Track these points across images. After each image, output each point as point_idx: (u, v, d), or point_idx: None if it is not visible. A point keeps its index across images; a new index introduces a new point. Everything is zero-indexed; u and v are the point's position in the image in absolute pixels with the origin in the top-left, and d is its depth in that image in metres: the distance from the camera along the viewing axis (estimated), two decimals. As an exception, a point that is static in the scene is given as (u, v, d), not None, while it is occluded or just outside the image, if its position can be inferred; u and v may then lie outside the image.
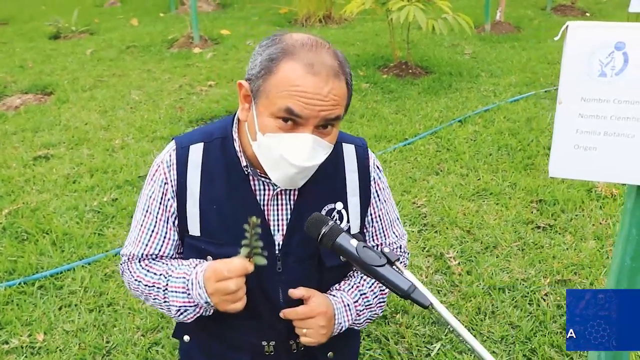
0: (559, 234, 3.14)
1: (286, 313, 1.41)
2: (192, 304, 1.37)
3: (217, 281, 1.27)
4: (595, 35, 0.99)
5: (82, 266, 2.95)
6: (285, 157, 1.23)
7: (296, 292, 1.41)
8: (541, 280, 2.75)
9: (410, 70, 6.13)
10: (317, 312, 1.39)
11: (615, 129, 1.03)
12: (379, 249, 1.23)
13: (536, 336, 2.40)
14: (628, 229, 1.14)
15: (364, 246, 1.20)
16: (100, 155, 4.25)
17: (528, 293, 2.66)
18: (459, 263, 2.90)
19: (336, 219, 1.45)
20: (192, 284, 1.34)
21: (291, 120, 1.22)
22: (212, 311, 1.41)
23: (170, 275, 1.39)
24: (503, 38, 7.58)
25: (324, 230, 1.24)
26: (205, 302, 1.33)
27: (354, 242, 1.20)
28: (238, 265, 1.24)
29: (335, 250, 1.22)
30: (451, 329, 1.08)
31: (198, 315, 1.41)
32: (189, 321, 1.43)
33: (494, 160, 4.04)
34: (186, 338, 1.61)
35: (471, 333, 2.43)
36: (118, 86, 5.90)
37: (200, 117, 4.99)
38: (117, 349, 2.43)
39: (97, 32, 8.54)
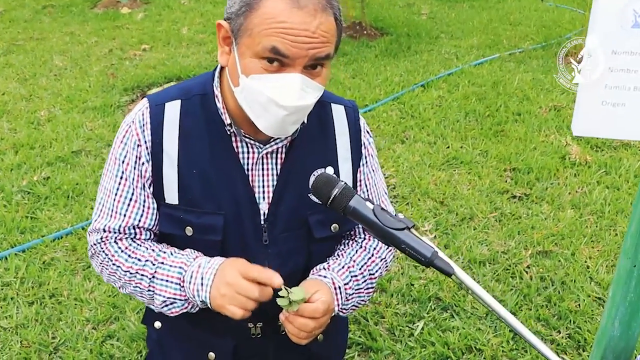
0: (536, 203, 3.24)
1: (307, 312, 1.28)
2: (182, 297, 1.32)
3: (243, 277, 1.22)
4: (630, -18, 1.01)
5: (16, 254, 2.82)
6: (273, 98, 1.20)
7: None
8: (522, 252, 2.83)
9: (365, 32, 6.12)
10: (330, 310, 1.34)
11: (646, 83, 1.06)
12: (395, 213, 1.20)
13: (522, 310, 2.48)
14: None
15: (381, 208, 1.16)
16: (24, 128, 4.05)
17: (510, 266, 2.74)
18: (435, 236, 2.95)
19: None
20: (191, 276, 1.29)
21: (277, 60, 1.18)
22: (197, 309, 1.36)
23: (162, 263, 1.33)
24: (461, -3, 7.68)
25: (335, 192, 1.18)
26: (201, 301, 1.28)
27: (370, 205, 1.17)
28: (270, 273, 1.21)
29: (348, 214, 1.18)
30: (475, 297, 1.09)
31: (184, 311, 1.35)
32: (172, 315, 1.38)
33: (461, 127, 4.11)
34: (157, 324, 1.56)
35: (454, 310, 2.49)
36: (37, 51, 5.62)
37: (136, 84, 4.83)
38: (65, 344, 2.35)
39: (5, -11, 8.09)
